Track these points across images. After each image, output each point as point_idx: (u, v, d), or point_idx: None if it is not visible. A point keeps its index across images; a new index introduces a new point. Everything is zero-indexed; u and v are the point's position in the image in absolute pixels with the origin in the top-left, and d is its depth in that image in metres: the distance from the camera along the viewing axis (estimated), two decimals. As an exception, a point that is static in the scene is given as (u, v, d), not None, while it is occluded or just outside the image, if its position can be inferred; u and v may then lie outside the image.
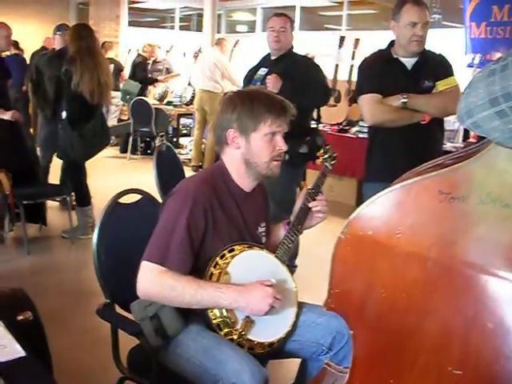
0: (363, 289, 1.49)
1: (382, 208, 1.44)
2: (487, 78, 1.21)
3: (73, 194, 5.28)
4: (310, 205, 2.29)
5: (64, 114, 4.96)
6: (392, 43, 3.27)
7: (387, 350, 1.51)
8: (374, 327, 1.51)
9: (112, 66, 9.48)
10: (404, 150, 3.12)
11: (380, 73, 3.20)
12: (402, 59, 3.20)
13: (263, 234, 2.26)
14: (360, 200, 5.63)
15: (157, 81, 9.70)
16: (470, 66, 6.74)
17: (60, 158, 5.39)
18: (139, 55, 9.79)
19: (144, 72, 9.47)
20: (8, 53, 6.99)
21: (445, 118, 3.38)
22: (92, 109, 4.99)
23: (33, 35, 8.02)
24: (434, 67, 3.22)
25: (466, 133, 6.03)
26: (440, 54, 3.33)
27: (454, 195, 1.33)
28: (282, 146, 2.10)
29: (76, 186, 5.22)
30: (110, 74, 5.23)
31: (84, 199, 5.25)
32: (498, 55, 6.13)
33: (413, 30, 3.08)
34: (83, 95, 4.84)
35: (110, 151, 9.33)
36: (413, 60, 3.18)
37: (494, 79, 1.19)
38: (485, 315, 1.33)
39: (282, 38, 3.94)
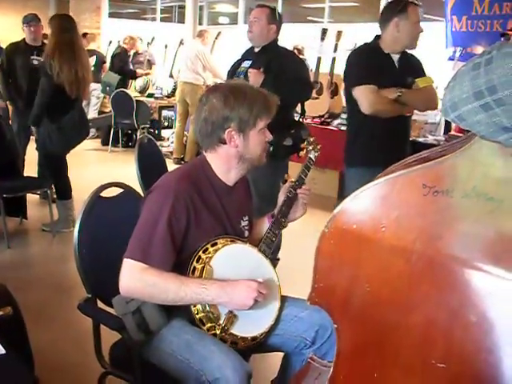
0: (347, 283, 1.48)
1: (366, 202, 1.43)
2: (472, 71, 1.21)
3: (53, 187, 5.24)
4: (298, 191, 2.30)
5: None
6: (377, 37, 3.47)
7: (371, 344, 1.50)
8: (358, 321, 1.51)
9: (94, 58, 9.43)
10: (388, 136, 3.39)
11: (374, 65, 3.41)
12: (392, 55, 3.44)
13: (246, 227, 2.25)
14: (342, 191, 5.66)
15: (135, 74, 9.60)
16: (451, 59, 6.79)
17: (38, 151, 5.34)
18: (119, 46, 9.72)
19: (122, 63, 9.37)
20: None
21: (427, 111, 3.59)
22: (70, 101, 4.93)
23: (12, 27, 7.90)
24: (413, 66, 3.52)
25: (448, 126, 6.07)
26: (412, 54, 3.59)
27: (438, 189, 1.33)
28: (269, 136, 2.13)
29: (56, 179, 5.16)
30: (89, 69, 5.15)
31: (64, 192, 5.20)
32: (479, 48, 6.18)
33: (418, 28, 3.37)
34: (62, 88, 4.79)
35: (91, 144, 9.27)
36: (397, 56, 3.45)
37: (478, 72, 1.18)
38: (468, 309, 1.33)
39: (255, 28, 3.89)
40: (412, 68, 3.49)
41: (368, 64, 3.44)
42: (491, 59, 1.17)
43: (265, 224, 2.34)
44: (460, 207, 1.32)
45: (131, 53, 9.70)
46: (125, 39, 9.67)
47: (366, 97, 3.36)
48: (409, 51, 3.52)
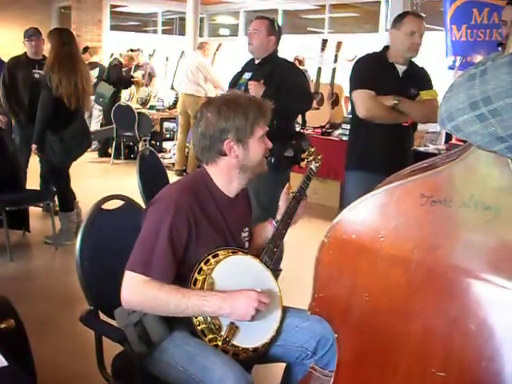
0: (347, 292, 1.49)
1: (365, 212, 1.44)
2: (467, 81, 1.22)
3: (56, 199, 5.26)
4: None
5: None
6: (386, 48, 3.59)
7: (371, 353, 1.51)
8: (357, 330, 1.51)
9: (97, 70, 9.48)
10: (386, 144, 3.47)
11: (376, 72, 3.51)
12: (397, 65, 3.54)
13: (246, 238, 2.26)
14: (343, 201, 5.69)
15: (131, 81, 9.60)
16: (451, 68, 6.81)
17: (41, 164, 5.37)
18: (115, 59, 9.76)
19: (118, 75, 9.41)
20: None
21: None
22: (70, 113, 4.97)
23: (15, 40, 7.96)
24: (419, 78, 3.59)
25: (448, 135, 6.09)
26: (423, 67, 3.69)
27: (436, 198, 1.34)
28: (269, 143, 2.15)
29: (59, 190, 5.18)
30: (89, 80, 5.22)
31: (67, 204, 5.21)
32: (478, 57, 6.20)
33: (412, 38, 3.42)
34: (61, 100, 4.84)
35: (93, 156, 9.29)
36: (403, 67, 3.54)
37: (473, 83, 1.19)
38: (467, 317, 1.34)
39: (254, 40, 3.91)
40: (418, 80, 3.57)
41: (368, 70, 3.56)
42: (486, 70, 1.18)
43: (268, 228, 2.35)
44: (458, 217, 1.33)
45: (125, 68, 9.73)
46: (124, 55, 9.71)
47: (362, 101, 3.49)
48: (419, 64, 3.63)
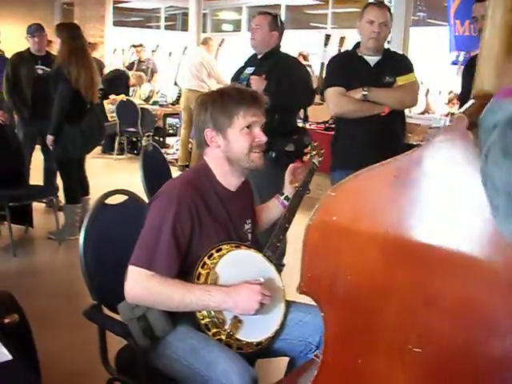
0: (331, 272, 1.54)
1: (344, 194, 1.49)
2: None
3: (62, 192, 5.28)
4: None
5: None
6: (358, 44, 3.62)
7: (354, 331, 1.56)
8: (341, 309, 1.57)
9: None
10: (365, 140, 3.43)
11: (344, 68, 3.54)
12: (366, 57, 3.52)
13: (249, 230, 2.26)
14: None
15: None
16: (454, 63, 6.79)
17: (48, 158, 5.41)
18: (124, 71, 9.83)
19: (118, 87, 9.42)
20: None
21: (432, 116, 3.60)
22: (86, 106, 5.07)
23: (18, 37, 7.97)
24: (395, 64, 3.57)
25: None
26: (403, 54, 3.74)
27: (408, 179, 1.37)
28: (261, 137, 2.10)
29: (67, 182, 5.22)
30: (97, 72, 5.34)
31: (74, 196, 5.25)
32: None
33: (371, 27, 3.43)
34: (79, 92, 4.91)
35: (97, 151, 9.29)
36: (376, 58, 3.52)
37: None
38: (440, 294, 1.37)
39: (257, 35, 3.93)
40: (394, 67, 3.52)
41: (336, 68, 3.61)
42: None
43: (275, 205, 2.42)
44: (427, 196, 1.36)
45: (136, 61, 9.74)
46: (133, 74, 9.73)
47: (330, 99, 3.52)
48: (399, 52, 3.61)
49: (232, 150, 2.09)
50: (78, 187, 5.30)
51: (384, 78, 3.48)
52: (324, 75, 3.67)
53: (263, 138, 2.10)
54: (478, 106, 1.29)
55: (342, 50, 7.18)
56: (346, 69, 3.53)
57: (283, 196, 2.40)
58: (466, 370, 1.36)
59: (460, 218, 1.08)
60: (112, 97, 9.02)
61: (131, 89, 9.78)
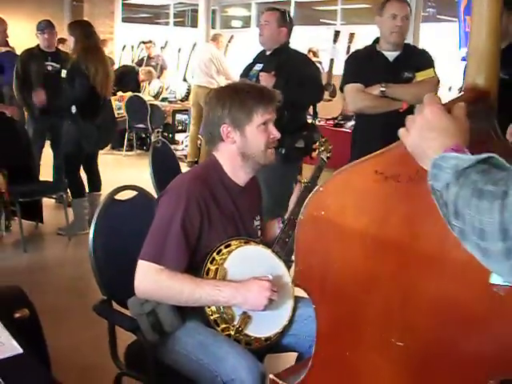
0: (320, 265, 1.58)
1: (331, 189, 1.52)
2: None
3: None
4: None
5: (74, 109, 5.01)
6: (377, 40, 3.58)
7: (341, 324, 1.59)
8: (329, 302, 1.60)
9: None
10: (383, 135, 3.35)
11: (362, 64, 3.53)
12: (385, 52, 3.50)
13: (259, 227, 2.27)
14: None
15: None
16: (464, 59, 6.76)
17: (58, 151, 5.49)
18: (133, 67, 9.83)
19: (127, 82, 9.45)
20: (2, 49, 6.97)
21: None
22: (100, 102, 5.13)
23: (28, 34, 8.01)
24: (415, 60, 3.52)
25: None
26: (422, 49, 3.69)
27: (388, 174, 1.38)
28: (275, 133, 2.11)
29: (73, 176, 5.24)
30: (111, 69, 5.47)
31: (79, 190, 5.29)
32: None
33: (393, 21, 3.39)
34: (95, 89, 4.96)
35: (106, 147, 9.32)
36: (395, 53, 3.49)
37: None
38: (419, 288, 1.39)
39: (265, 32, 3.93)
40: (414, 63, 3.50)
41: (354, 64, 3.62)
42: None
43: (275, 227, 2.36)
44: (406, 191, 1.37)
45: (145, 57, 9.75)
46: (142, 70, 9.72)
47: (349, 95, 3.54)
48: (420, 46, 3.59)
49: (249, 146, 2.10)
50: (82, 181, 5.34)
51: (403, 73, 3.46)
52: (342, 71, 3.69)
53: (277, 135, 2.12)
54: (464, 100, 1.29)
55: (352, 46, 7.19)
56: (365, 65, 3.52)
57: (283, 220, 2.36)
58: (446, 363, 1.38)
59: (438, 215, 1.08)
60: (119, 94, 9.04)
61: (141, 84, 9.78)
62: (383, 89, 3.36)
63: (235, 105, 2.06)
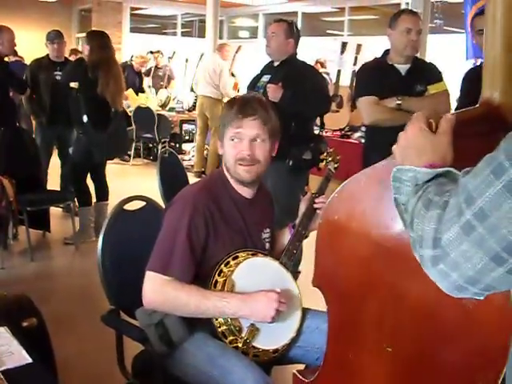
0: (332, 268, 1.66)
1: (343, 195, 1.57)
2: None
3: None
4: (316, 200, 2.29)
5: (85, 118, 5.04)
6: (387, 52, 3.60)
7: (346, 326, 1.65)
8: (337, 303, 1.66)
9: None
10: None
11: (377, 77, 3.52)
12: (397, 65, 3.52)
13: (267, 239, 2.26)
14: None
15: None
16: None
17: (65, 160, 5.54)
18: (126, 62, 9.82)
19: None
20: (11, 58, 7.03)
21: None
22: (110, 113, 5.15)
23: (36, 43, 8.07)
24: (426, 73, 3.56)
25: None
26: (430, 62, 3.71)
27: (389, 182, 1.40)
28: (244, 148, 2.06)
29: (80, 185, 5.27)
30: (123, 81, 5.42)
31: (86, 199, 5.32)
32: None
33: (408, 36, 3.41)
34: (105, 99, 4.99)
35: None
36: (406, 66, 3.52)
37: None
38: (409, 294, 1.42)
39: (272, 43, 3.93)
40: (424, 76, 3.53)
41: (368, 76, 3.61)
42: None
43: (286, 235, 2.35)
44: None
45: (144, 69, 9.76)
46: (137, 57, 9.72)
47: (364, 108, 3.52)
48: (428, 60, 3.62)
49: (225, 159, 2.12)
50: (88, 189, 5.36)
51: (416, 86, 3.48)
52: (355, 84, 3.75)
53: (244, 152, 2.06)
54: (478, 114, 1.29)
55: (359, 57, 7.21)
56: (378, 77, 3.53)
57: (294, 224, 2.35)
58: (430, 371, 1.42)
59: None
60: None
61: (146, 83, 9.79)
62: (399, 102, 3.37)
63: (222, 117, 2.13)
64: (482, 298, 0.96)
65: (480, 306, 1.25)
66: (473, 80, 3.82)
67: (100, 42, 5.12)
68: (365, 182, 1.51)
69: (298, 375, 1.92)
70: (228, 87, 8.09)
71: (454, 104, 5.34)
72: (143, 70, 9.81)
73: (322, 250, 1.66)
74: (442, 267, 0.94)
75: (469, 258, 0.90)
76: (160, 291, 1.96)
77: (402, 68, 3.51)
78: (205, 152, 8.43)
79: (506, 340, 1.24)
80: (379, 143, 3.47)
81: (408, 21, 3.43)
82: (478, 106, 1.38)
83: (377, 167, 1.46)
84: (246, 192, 2.17)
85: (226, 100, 7.92)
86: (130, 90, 9.33)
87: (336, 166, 2.59)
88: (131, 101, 9.14)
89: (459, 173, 1.00)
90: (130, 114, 8.68)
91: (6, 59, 5.66)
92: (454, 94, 3.71)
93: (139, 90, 9.55)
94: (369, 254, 1.50)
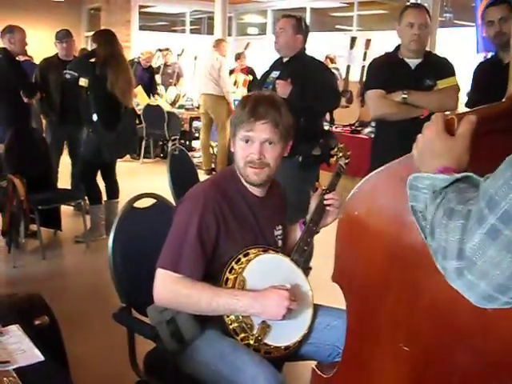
0: (351, 263, 1.65)
1: (363, 190, 1.56)
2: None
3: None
4: (326, 196, 2.28)
5: (95, 117, 5.05)
6: (399, 46, 3.58)
7: (362, 324, 1.64)
8: (355, 300, 1.66)
9: None
10: (404, 142, 3.31)
11: (385, 71, 3.53)
12: (407, 60, 3.50)
13: (279, 237, 2.25)
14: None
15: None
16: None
17: (76, 158, 5.58)
18: (133, 59, 9.83)
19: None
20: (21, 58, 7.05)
21: None
22: (121, 109, 5.15)
23: (46, 43, 8.11)
24: (437, 68, 3.52)
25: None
26: (444, 57, 3.65)
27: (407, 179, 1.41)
28: (253, 152, 2.04)
29: (91, 184, 5.29)
30: (133, 77, 5.44)
31: (96, 197, 5.35)
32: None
33: (411, 30, 3.40)
34: (115, 96, 5.00)
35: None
36: (417, 61, 3.49)
37: None
38: (424, 293, 1.41)
39: (281, 39, 3.93)
40: (435, 71, 3.50)
41: (377, 70, 3.61)
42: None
43: (297, 231, 2.34)
44: None
45: (150, 63, 9.75)
46: (143, 53, 9.71)
47: (371, 101, 3.54)
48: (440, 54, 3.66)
49: (235, 158, 2.12)
50: (98, 188, 5.39)
51: (425, 81, 3.46)
52: (365, 77, 3.75)
53: (254, 156, 2.05)
54: (504, 108, 1.27)
55: (368, 52, 7.18)
56: (387, 71, 3.52)
57: (305, 221, 2.33)
58: (447, 371, 1.40)
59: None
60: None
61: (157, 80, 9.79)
62: (405, 95, 3.36)
63: (235, 116, 2.11)
64: None
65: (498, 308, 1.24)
66: (486, 72, 3.81)
67: (106, 38, 5.14)
68: (385, 179, 1.50)
69: (317, 370, 1.91)
70: (227, 83, 8.07)
71: (464, 99, 5.32)
72: (153, 65, 9.80)
73: (341, 246, 1.65)
74: (468, 278, 0.91)
75: (497, 263, 0.87)
76: (171, 289, 1.96)
77: (413, 62, 3.48)
78: (214, 149, 8.42)
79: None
80: (387, 137, 3.50)
81: (411, 15, 3.42)
82: (504, 100, 1.36)
83: (396, 164, 1.45)
84: (257, 191, 2.16)
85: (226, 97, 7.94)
86: (140, 88, 9.34)
87: (347, 161, 2.57)
88: (140, 99, 9.14)
89: (479, 178, 0.98)
90: (139, 111, 8.67)
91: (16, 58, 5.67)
92: (464, 88, 3.67)
93: (151, 89, 9.52)
94: (386, 251, 1.50)
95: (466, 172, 1.04)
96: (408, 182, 1.11)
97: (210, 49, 8.37)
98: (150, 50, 9.93)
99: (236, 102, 7.98)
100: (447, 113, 2.72)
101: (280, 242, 2.25)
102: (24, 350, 1.60)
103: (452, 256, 0.93)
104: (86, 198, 5.32)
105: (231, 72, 9.50)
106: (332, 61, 8.86)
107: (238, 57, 9.84)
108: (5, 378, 1.44)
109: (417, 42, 3.42)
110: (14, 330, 1.73)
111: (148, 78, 9.58)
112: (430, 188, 1.05)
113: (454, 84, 3.49)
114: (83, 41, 13.15)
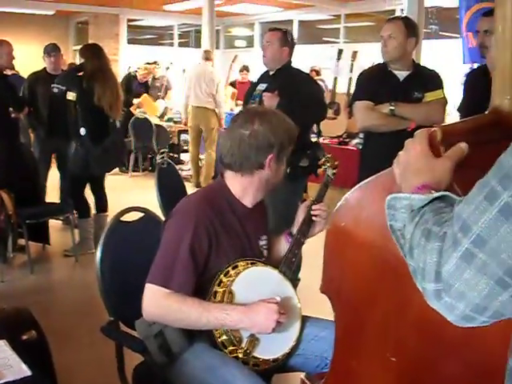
0: (338, 274, 1.65)
1: (350, 202, 1.57)
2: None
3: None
4: (313, 207, 2.29)
5: (83, 131, 5.04)
6: None
7: (350, 334, 1.64)
8: (343, 310, 1.66)
9: None
10: (391, 156, 3.31)
11: (373, 82, 3.55)
12: (395, 72, 3.53)
13: (265, 246, 2.26)
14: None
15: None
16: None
17: (64, 173, 5.55)
18: (129, 73, 9.86)
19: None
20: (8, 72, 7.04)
21: None
22: (108, 123, 5.16)
23: (33, 56, 8.10)
24: (425, 80, 3.54)
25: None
26: (433, 70, 3.68)
27: (393, 191, 1.40)
28: None
29: (79, 197, 5.27)
30: (121, 90, 5.41)
31: (85, 210, 5.33)
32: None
33: (382, 42, 3.48)
34: (102, 110, 4.99)
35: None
36: (405, 73, 3.52)
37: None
38: (409, 305, 1.40)
39: (268, 52, 3.95)
40: (423, 83, 3.52)
41: (365, 81, 3.63)
42: None
43: (282, 242, 2.35)
44: None
45: (149, 79, 9.78)
46: (142, 68, 9.72)
47: (359, 112, 3.55)
48: (430, 67, 3.68)
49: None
50: (87, 201, 5.37)
51: (413, 93, 3.49)
52: (351, 89, 3.80)
53: None
54: (487, 121, 1.29)
55: (355, 64, 7.23)
56: (376, 83, 3.55)
57: (290, 232, 2.35)
58: (434, 383, 1.41)
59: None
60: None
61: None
62: (392, 107, 3.38)
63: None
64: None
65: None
66: (478, 78, 3.84)
67: (93, 52, 5.16)
68: (372, 190, 1.51)
69: (306, 381, 1.93)
70: (223, 101, 8.11)
71: (452, 110, 5.36)
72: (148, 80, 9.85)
73: (329, 257, 1.66)
74: (446, 300, 0.93)
75: (473, 285, 0.89)
76: (161, 305, 1.96)
77: (401, 74, 3.52)
78: (201, 162, 8.42)
79: (506, 355, 1.24)
80: (375, 148, 3.51)
81: (382, 29, 3.51)
82: (487, 113, 1.36)
83: (384, 175, 1.44)
84: (254, 201, 2.18)
85: (217, 111, 7.96)
86: (145, 96, 9.35)
87: (334, 171, 2.59)
88: (147, 107, 9.16)
89: (456, 197, 0.99)
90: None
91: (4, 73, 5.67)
92: (451, 99, 3.70)
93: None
94: (373, 262, 1.50)
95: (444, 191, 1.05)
96: (386, 201, 1.11)
97: (202, 61, 8.36)
98: (146, 66, 9.90)
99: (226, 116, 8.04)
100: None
101: (265, 252, 2.25)
102: (11, 366, 1.59)
103: (430, 278, 0.94)
104: (74, 211, 5.30)
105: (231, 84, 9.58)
106: (318, 73, 8.90)
107: (242, 70, 9.88)
108: (-9, 394, 1.44)
109: (384, 53, 3.49)
110: (1, 345, 1.72)
111: (144, 92, 9.60)
112: (408, 208, 1.06)
113: (441, 97, 3.53)
114: (71, 54, 13.13)
